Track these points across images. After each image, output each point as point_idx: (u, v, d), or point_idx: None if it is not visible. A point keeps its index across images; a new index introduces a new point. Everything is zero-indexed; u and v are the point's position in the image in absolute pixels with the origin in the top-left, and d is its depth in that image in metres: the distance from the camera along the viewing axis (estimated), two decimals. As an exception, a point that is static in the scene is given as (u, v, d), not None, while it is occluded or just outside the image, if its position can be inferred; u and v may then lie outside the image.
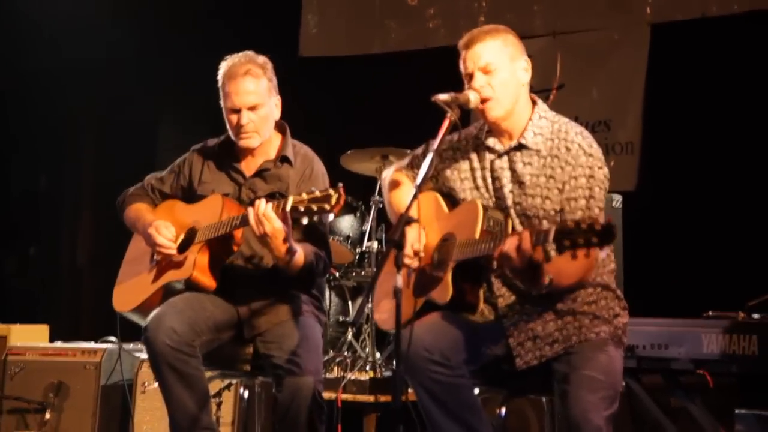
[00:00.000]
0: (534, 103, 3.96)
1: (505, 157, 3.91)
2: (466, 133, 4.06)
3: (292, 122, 4.56)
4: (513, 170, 3.88)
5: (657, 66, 7.35)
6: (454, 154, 4.05)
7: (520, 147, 3.88)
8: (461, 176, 4.01)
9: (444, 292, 3.81)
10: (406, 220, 3.54)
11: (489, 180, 3.94)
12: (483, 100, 3.84)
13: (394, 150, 7.15)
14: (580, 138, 3.84)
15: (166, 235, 4.36)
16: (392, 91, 8.03)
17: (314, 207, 3.92)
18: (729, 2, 7.13)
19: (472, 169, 3.99)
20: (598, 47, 7.71)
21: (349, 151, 7.17)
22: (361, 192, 7.29)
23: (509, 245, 3.50)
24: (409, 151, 6.99)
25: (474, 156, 4.00)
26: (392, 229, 3.53)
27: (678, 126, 7.15)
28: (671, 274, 6.76)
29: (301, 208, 3.94)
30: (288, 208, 3.98)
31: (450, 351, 3.78)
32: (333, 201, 3.89)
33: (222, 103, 4.44)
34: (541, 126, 3.89)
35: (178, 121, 8.60)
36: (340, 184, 3.96)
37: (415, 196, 3.58)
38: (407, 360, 3.71)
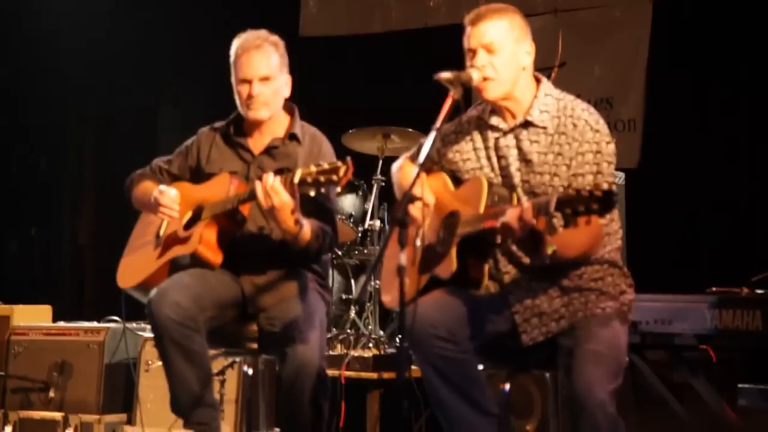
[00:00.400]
0: (538, 81, 3.95)
1: (511, 135, 3.91)
2: (467, 116, 4.06)
3: (293, 102, 4.56)
4: (519, 148, 3.88)
5: (659, 43, 7.34)
6: (457, 137, 4.05)
7: (527, 125, 3.88)
8: (464, 157, 4.01)
9: (448, 266, 3.82)
10: (409, 197, 3.55)
11: (494, 159, 3.93)
12: (483, 79, 3.84)
13: (395, 129, 7.15)
14: (586, 114, 3.84)
15: (170, 195, 4.36)
16: (394, 70, 8.02)
17: (322, 179, 3.92)
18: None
19: (476, 149, 3.99)
20: (599, 25, 7.69)
21: (351, 130, 7.17)
22: (363, 171, 7.27)
23: (510, 216, 3.52)
24: (411, 129, 7.06)
25: (477, 136, 4.00)
26: (395, 207, 3.53)
27: (680, 103, 7.14)
28: (674, 250, 6.77)
29: (309, 180, 3.95)
30: (296, 180, 3.98)
31: (455, 326, 3.78)
32: (341, 172, 3.89)
33: (233, 77, 4.45)
34: (546, 103, 3.89)
35: (178, 103, 8.61)
36: (348, 157, 3.96)
37: (418, 174, 3.58)
38: (412, 335, 3.71)
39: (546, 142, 3.84)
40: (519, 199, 3.80)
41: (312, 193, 3.99)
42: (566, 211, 3.39)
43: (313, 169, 3.96)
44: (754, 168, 6.77)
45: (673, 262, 6.64)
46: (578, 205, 3.35)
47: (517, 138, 3.89)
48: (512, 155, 3.89)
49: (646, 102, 7.37)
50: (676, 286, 5.13)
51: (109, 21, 8.56)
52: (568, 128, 3.82)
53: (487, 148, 3.96)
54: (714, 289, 4.94)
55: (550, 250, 3.55)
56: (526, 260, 3.82)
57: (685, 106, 7.11)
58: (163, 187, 4.42)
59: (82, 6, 8.56)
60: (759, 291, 4.78)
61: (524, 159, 3.86)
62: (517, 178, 3.86)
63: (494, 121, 3.95)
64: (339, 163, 3.92)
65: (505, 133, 3.92)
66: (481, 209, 3.78)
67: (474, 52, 3.85)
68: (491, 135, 3.95)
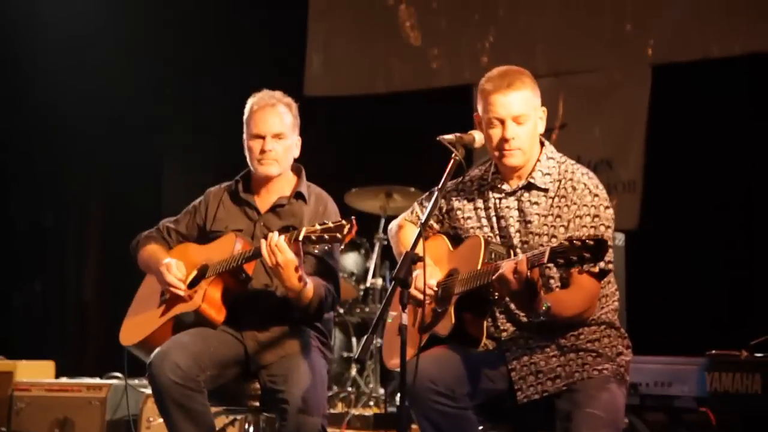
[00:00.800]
0: (542, 144, 4.02)
1: (513, 197, 3.96)
2: (470, 175, 4.10)
3: (296, 160, 4.62)
4: (521, 210, 3.93)
5: (659, 105, 7.42)
6: (458, 194, 4.10)
7: (529, 186, 3.93)
8: (465, 215, 4.05)
9: (447, 323, 3.85)
10: (411, 258, 3.59)
11: (494, 219, 3.98)
12: (508, 148, 3.88)
13: (398, 188, 7.22)
14: (586, 178, 3.89)
15: (176, 273, 4.40)
16: (396, 130, 8.10)
17: (326, 236, 3.99)
18: (730, 44, 7.20)
19: (476, 209, 4.03)
20: (600, 87, 7.78)
21: (353, 189, 7.24)
22: (365, 230, 7.32)
23: (506, 268, 3.56)
24: (413, 189, 7.13)
25: (479, 197, 4.04)
26: (398, 268, 3.57)
27: (679, 165, 7.20)
28: (674, 312, 6.78)
29: (314, 237, 4.01)
30: (300, 237, 4.04)
31: (455, 383, 3.80)
32: (345, 231, 3.96)
33: (245, 133, 4.51)
34: (549, 166, 3.94)
35: (184, 161, 8.67)
36: (353, 216, 4.03)
37: (419, 234, 3.63)
38: (411, 391, 3.73)
39: (546, 204, 3.89)
40: (515, 254, 3.85)
41: (316, 251, 4.05)
42: (559, 261, 3.44)
43: (317, 227, 4.02)
44: (754, 231, 6.81)
45: (672, 324, 6.65)
46: (571, 254, 3.41)
47: (518, 200, 3.94)
48: (513, 216, 3.94)
49: (645, 163, 7.43)
50: (675, 349, 5.16)
51: (114, 79, 8.63)
52: (567, 191, 3.87)
53: (487, 208, 4.01)
54: (713, 351, 4.96)
55: (544, 306, 3.59)
56: (524, 318, 3.86)
57: (684, 168, 7.16)
58: (170, 261, 4.43)
59: (87, 58, 8.62)
60: (758, 354, 4.80)
61: (524, 220, 3.91)
62: (516, 239, 3.91)
63: (497, 182, 4.00)
64: (343, 222, 3.99)
65: (507, 195, 3.98)
66: (479, 266, 3.82)
67: (502, 122, 3.86)
68: (493, 195, 4.00)
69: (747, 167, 6.86)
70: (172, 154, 8.82)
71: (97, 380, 6.43)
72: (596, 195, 3.85)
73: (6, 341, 7.34)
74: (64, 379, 6.60)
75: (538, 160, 3.95)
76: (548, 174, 3.92)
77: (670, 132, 7.31)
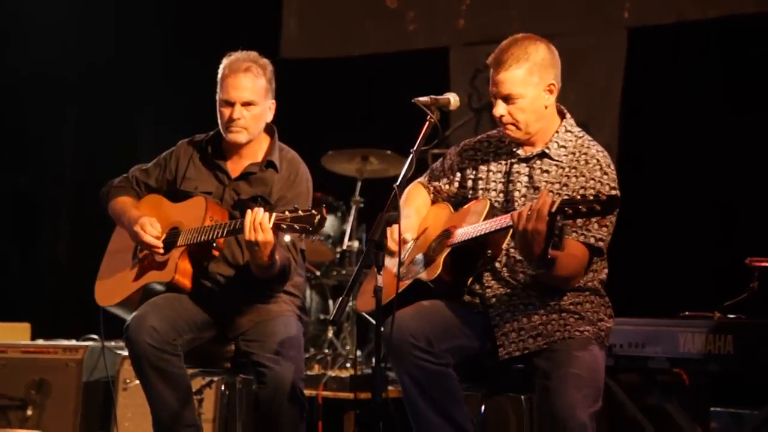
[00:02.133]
0: (563, 115, 4.02)
1: (525, 164, 3.98)
2: (490, 135, 4.14)
3: (273, 123, 4.60)
4: (530, 176, 3.96)
5: (634, 69, 7.43)
6: (475, 154, 4.13)
7: (543, 155, 3.95)
8: (478, 176, 4.08)
9: (433, 270, 3.89)
10: (386, 219, 3.60)
11: (504, 183, 4.01)
12: (503, 124, 3.93)
13: (373, 151, 7.22)
14: (600, 155, 3.92)
15: (152, 232, 4.38)
16: (372, 93, 8.09)
17: (297, 226, 3.97)
18: (704, 7, 7.20)
19: (489, 171, 4.06)
20: (575, 51, 7.75)
21: (329, 152, 7.23)
22: (341, 192, 7.34)
23: (525, 208, 3.59)
24: (389, 152, 7.13)
25: (493, 158, 4.07)
26: (373, 230, 3.58)
27: (654, 128, 7.22)
28: (648, 274, 6.83)
29: (284, 226, 4.00)
30: (270, 224, 4.03)
31: (435, 338, 3.83)
32: (316, 221, 3.93)
33: (218, 95, 4.47)
34: (566, 139, 3.97)
35: (158, 121, 8.62)
36: (323, 205, 4.04)
37: (395, 195, 3.64)
38: (391, 345, 3.76)
39: (556, 174, 3.92)
40: None
41: (287, 239, 4.09)
42: (567, 211, 3.46)
43: (287, 214, 4.01)
44: (727, 193, 6.85)
45: (646, 286, 6.70)
46: (581, 205, 3.44)
47: (530, 167, 3.97)
48: (521, 182, 3.97)
49: (620, 127, 7.45)
50: (649, 310, 5.19)
51: (88, 38, 8.57)
52: (579, 163, 3.90)
53: (498, 171, 4.04)
54: (687, 313, 5.00)
55: (550, 256, 3.61)
56: (510, 277, 3.90)
57: (659, 131, 7.19)
58: (144, 220, 4.39)
59: (62, 22, 8.56)
60: (731, 315, 4.85)
61: (532, 186, 3.94)
62: (518, 204, 3.92)
63: (513, 146, 4.02)
64: (313, 212, 3.96)
65: (520, 160, 3.99)
66: (481, 221, 3.85)
67: (495, 96, 3.93)
68: (508, 160, 4.03)
69: (722, 131, 6.88)
70: (146, 116, 8.77)
71: (73, 342, 6.44)
72: (605, 173, 3.88)
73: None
74: (40, 341, 6.61)
75: (557, 131, 3.97)
76: (564, 147, 3.95)
77: (646, 96, 7.32)
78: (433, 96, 3.86)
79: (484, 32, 7.82)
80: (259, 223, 4.05)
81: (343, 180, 7.37)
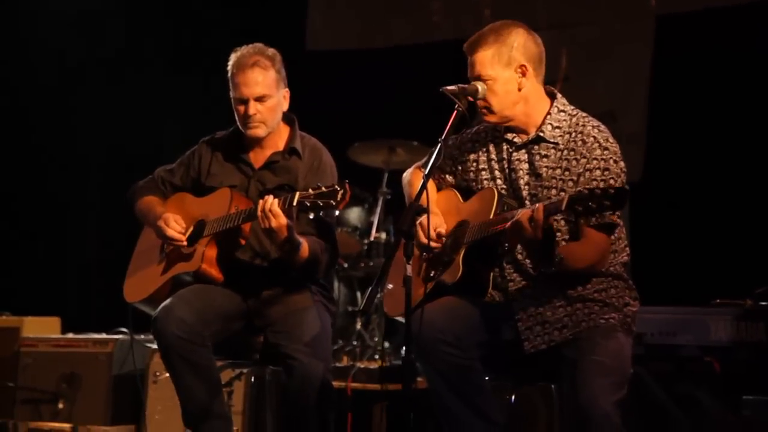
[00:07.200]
0: (553, 96, 3.99)
1: (523, 150, 3.95)
2: (485, 125, 4.10)
3: (299, 115, 4.59)
4: (531, 163, 3.92)
5: (662, 56, 7.38)
6: (473, 145, 4.10)
7: (539, 140, 3.92)
8: (479, 167, 4.05)
9: (454, 272, 3.87)
10: (415, 209, 3.59)
11: (506, 171, 3.98)
12: (479, 107, 3.91)
13: (401, 142, 7.20)
14: (596, 131, 3.87)
15: (176, 227, 4.39)
16: (399, 84, 8.06)
17: (320, 202, 3.98)
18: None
19: (490, 160, 4.03)
20: (602, 39, 7.73)
21: (356, 144, 7.22)
22: (368, 184, 7.33)
23: (522, 215, 3.59)
24: (416, 143, 7.11)
25: (492, 148, 4.04)
26: (401, 219, 3.57)
27: (683, 116, 7.18)
28: (678, 262, 6.79)
29: (308, 203, 4.01)
30: (294, 203, 4.03)
31: (462, 332, 3.82)
32: (339, 197, 3.95)
33: (231, 93, 4.48)
34: (559, 119, 3.92)
35: (185, 117, 8.63)
36: (346, 181, 4.02)
37: (423, 186, 3.63)
38: (419, 341, 3.75)
39: (555, 157, 3.88)
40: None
41: (311, 216, 4.09)
42: (578, 208, 3.44)
43: (310, 191, 4.01)
44: (756, 180, 6.80)
45: (677, 275, 6.66)
46: (590, 202, 3.41)
47: (529, 153, 3.94)
48: (523, 169, 3.93)
49: (649, 115, 7.41)
50: (680, 298, 5.17)
51: (113, 34, 8.60)
52: (577, 144, 3.86)
53: (501, 160, 4.01)
54: (718, 300, 4.97)
55: (557, 258, 3.60)
56: (532, 269, 3.87)
57: (688, 118, 7.14)
58: (168, 215, 4.42)
59: (88, 20, 8.58)
60: (763, 303, 4.81)
61: (534, 173, 3.91)
62: (525, 192, 3.90)
63: (508, 134, 3.99)
64: (336, 186, 3.97)
65: (518, 148, 3.96)
66: (491, 216, 3.83)
67: (470, 81, 3.93)
68: (506, 148, 4.00)
69: (751, 118, 6.83)
70: (173, 111, 8.78)
71: (103, 335, 6.46)
72: (606, 148, 3.83)
73: (12, 298, 7.35)
74: (70, 335, 6.63)
75: (549, 113, 3.93)
76: (558, 127, 3.91)
77: (674, 83, 7.27)
78: (461, 85, 3.85)
79: (511, 22, 7.78)
80: (269, 210, 4.07)
81: (370, 172, 7.35)
